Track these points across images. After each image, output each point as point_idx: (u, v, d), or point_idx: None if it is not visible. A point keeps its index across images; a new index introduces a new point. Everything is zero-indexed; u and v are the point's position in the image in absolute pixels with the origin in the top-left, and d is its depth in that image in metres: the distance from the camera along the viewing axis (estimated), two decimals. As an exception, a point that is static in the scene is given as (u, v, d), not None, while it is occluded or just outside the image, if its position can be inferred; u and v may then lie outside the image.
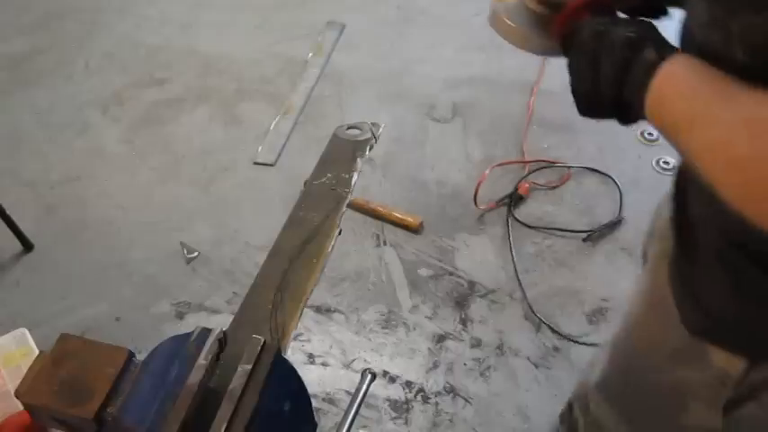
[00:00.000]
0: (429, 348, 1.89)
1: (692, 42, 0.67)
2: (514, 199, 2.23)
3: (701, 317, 0.80)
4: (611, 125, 0.75)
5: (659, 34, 0.68)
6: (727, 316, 0.76)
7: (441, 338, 1.91)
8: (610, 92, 0.69)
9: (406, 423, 1.75)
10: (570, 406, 1.12)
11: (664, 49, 0.65)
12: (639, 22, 0.70)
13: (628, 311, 0.98)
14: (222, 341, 0.87)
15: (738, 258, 0.72)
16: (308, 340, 1.92)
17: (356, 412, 1.02)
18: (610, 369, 1.01)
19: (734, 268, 0.73)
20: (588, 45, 0.70)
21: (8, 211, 2.05)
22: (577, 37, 0.72)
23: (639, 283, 0.96)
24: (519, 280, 2.02)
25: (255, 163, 2.42)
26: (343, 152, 1.19)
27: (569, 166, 2.35)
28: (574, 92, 0.73)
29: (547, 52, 0.83)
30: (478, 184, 2.21)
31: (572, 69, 0.73)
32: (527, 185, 2.27)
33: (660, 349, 0.89)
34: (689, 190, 0.79)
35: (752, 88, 0.57)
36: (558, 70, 0.83)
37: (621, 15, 0.79)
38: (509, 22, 0.84)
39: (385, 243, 2.16)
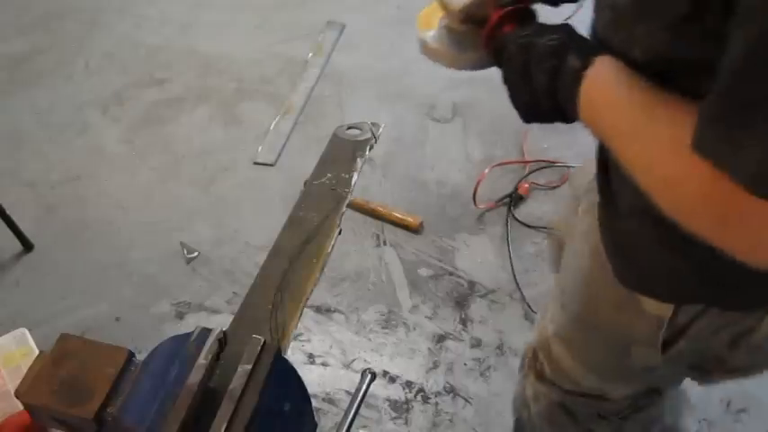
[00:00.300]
0: (429, 348, 1.89)
1: (595, 39, 0.70)
2: (514, 199, 2.23)
3: (632, 272, 0.85)
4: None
5: (579, 37, 0.72)
6: (656, 270, 0.81)
7: (441, 338, 1.91)
8: (546, 101, 0.72)
9: (406, 423, 1.75)
10: (535, 353, 1.15)
11: (585, 52, 0.68)
12: (559, 27, 0.74)
13: (575, 264, 1.01)
14: (222, 341, 0.87)
15: (670, 236, 0.74)
16: (308, 340, 1.92)
17: (356, 412, 1.02)
18: (563, 318, 1.05)
19: (659, 239, 0.77)
20: (518, 59, 0.74)
21: (8, 211, 2.05)
22: (506, 52, 0.76)
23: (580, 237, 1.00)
24: (518, 280, 2.02)
25: (255, 163, 2.42)
26: (343, 152, 1.19)
27: (569, 166, 2.35)
28: (513, 102, 0.78)
29: (478, 66, 0.88)
30: (477, 184, 2.21)
31: (507, 82, 0.78)
32: (527, 185, 2.27)
33: (603, 299, 0.93)
34: (613, 179, 0.82)
35: (670, 102, 0.60)
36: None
37: (543, 5, 0.84)
38: (437, 47, 0.90)
39: (385, 243, 2.15)
